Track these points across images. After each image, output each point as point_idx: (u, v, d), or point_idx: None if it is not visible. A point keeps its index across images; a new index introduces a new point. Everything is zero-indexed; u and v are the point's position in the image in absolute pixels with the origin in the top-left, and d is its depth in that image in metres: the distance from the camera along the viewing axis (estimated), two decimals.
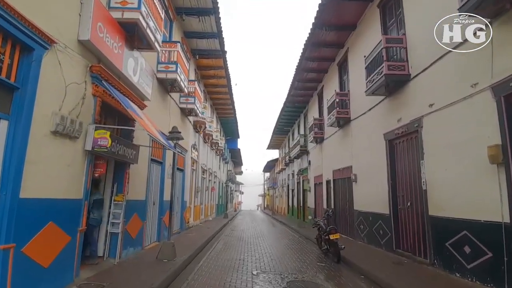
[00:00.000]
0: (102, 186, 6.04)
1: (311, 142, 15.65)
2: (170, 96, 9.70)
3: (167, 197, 8.84)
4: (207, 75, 15.22)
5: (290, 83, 15.45)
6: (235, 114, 22.36)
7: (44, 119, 3.84)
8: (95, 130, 4.73)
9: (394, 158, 7.53)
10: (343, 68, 11.73)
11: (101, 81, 4.91)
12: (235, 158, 37.11)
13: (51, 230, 4.02)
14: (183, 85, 8.96)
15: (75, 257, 4.57)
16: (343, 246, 6.93)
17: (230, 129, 26.45)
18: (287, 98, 17.54)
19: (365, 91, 7.79)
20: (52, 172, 4.02)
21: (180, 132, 7.00)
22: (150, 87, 7.15)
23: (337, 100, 10.70)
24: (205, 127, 14.99)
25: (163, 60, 8.46)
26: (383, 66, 6.75)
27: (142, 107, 6.61)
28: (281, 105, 20.38)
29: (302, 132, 19.51)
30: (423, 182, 6.11)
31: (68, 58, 4.28)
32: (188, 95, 11.14)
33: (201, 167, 16.13)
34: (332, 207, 12.29)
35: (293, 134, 23.52)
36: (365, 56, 7.87)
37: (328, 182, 13.26)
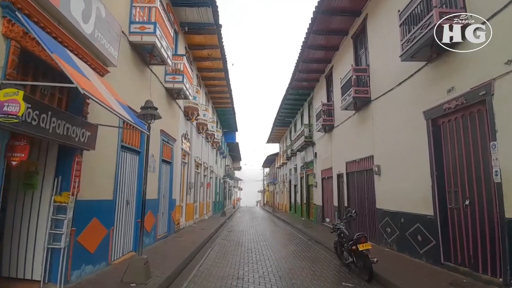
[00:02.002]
0: (40, 182, 4.22)
1: (318, 131, 13.88)
2: (151, 70, 7.86)
3: (148, 195, 7.02)
4: (200, 56, 13.39)
5: (294, 66, 13.75)
6: (232, 104, 20.51)
7: None
8: (2, 89, 2.92)
9: (440, 142, 5.75)
10: (359, 40, 9.91)
11: (15, 12, 3.09)
12: (233, 153, 35.25)
13: None
14: (165, 54, 7.12)
15: None
16: (375, 260, 5.18)
17: (227, 121, 24.61)
18: (290, 84, 15.81)
19: (401, 55, 5.98)
20: None
21: (156, 109, 5.21)
22: (116, 49, 5.31)
23: (354, 77, 8.91)
24: (198, 114, 13.14)
25: (138, 20, 6.64)
26: (432, 15, 4.94)
27: (101, 71, 4.79)
28: (281, 100, 18.83)
29: (306, 122, 17.73)
30: (495, 172, 4.34)
31: None
32: (175, 72, 9.32)
33: (195, 160, 14.31)
34: (346, 204, 10.56)
35: (295, 125, 21.71)
36: (399, 11, 6.06)
37: (339, 175, 11.52)
